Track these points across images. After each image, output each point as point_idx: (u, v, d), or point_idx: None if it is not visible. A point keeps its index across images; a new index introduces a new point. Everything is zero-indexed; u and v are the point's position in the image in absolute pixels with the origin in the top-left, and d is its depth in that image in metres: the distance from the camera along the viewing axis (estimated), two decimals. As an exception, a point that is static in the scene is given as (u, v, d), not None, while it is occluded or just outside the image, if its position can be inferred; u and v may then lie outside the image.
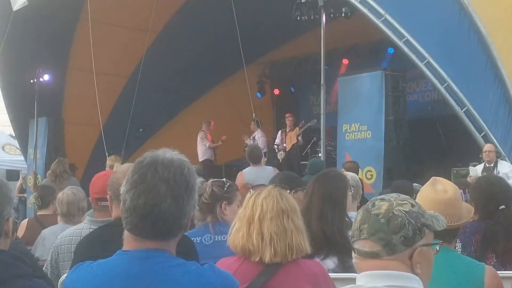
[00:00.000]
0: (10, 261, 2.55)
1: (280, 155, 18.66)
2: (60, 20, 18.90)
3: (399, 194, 2.58)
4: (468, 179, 11.58)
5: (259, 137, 18.18)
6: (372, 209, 2.49)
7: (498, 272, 3.85)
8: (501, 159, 12.57)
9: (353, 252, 2.54)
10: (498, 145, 12.71)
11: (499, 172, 11.68)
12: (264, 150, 17.54)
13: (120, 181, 3.70)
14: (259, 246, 3.58)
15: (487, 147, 12.43)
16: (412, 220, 2.46)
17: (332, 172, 5.12)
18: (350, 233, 2.58)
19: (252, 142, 17.99)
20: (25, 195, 21.35)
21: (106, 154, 16.89)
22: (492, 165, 12.39)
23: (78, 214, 6.66)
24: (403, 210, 2.47)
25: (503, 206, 5.09)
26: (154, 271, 2.40)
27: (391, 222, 2.44)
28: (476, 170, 12.29)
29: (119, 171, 4.15)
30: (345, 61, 21.10)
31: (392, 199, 2.52)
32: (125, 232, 2.48)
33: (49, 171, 12.41)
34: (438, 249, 2.57)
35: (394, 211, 2.46)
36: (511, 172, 11.97)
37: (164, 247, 2.45)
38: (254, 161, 11.39)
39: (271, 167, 12.05)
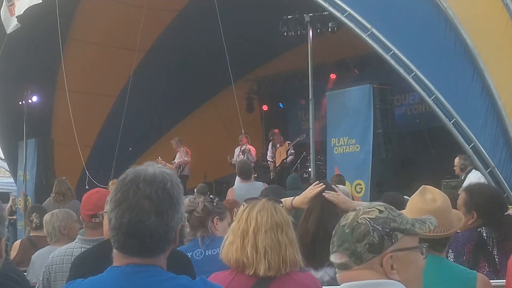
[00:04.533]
0: (2, 281, 2.54)
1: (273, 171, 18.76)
2: (47, 41, 18.88)
3: (375, 202, 2.60)
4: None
5: (251, 150, 18.21)
6: (342, 220, 2.50)
7: (491, 281, 3.85)
8: (475, 169, 12.77)
9: None
10: (487, 156, 12.76)
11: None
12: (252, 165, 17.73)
13: None
14: (254, 259, 3.57)
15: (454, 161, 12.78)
16: (378, 226, 2.42)
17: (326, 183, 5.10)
18: None
19: (240, 155, 18.08)
20: (14, 217, 21.22)
21: (88, 175, 16.85)
22: (462, 177, 12.75)
23: (56, 234, 6.64)
24: (368, 217, 2.44)
25: (508, 212, 5.15)
26: (145, 285, 2.38)
27: (354, 231, 2.42)
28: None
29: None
30: (333, 76, 21.18)
31: (362, 208, 2.51)
32: (114, 250, 2.48)
33: (53, 194, 12.33)
34: (423, 252, 2.53)
35: (358, 220, 2.44)
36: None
37: (154, 262, 2.43)
38: (244, 177, 11.39)
39: (261, 182, 12.06)
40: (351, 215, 2.48)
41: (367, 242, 2.41)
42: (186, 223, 5.25)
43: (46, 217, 6.83)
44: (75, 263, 4.16)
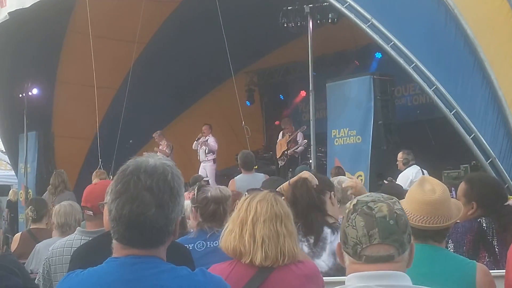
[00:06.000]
0: (1, 272, 2.54)
1: (281, 163, 18.76)
2: (47, 34, 18.88)
3: (376, 193, 2.56)
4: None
5: (211, 141, 18.45)
6: (373, 212, 2.43)
7: (491, 271, 3.85)
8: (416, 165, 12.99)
9: (351, 258, 2.47)
10: (488, 147, 12.75)
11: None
12: (214, 156, 18.43)
13: None
14: (251, 248, 3.58)
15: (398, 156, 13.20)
16: (406, 216, 2.48)
17: None
18: (349, 240, 2.46)
19: (203, 146, 18.46)
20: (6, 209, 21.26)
21: (101, 165, 16.91)
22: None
23: (75, 226, 6.66)
24: (400, 208, 2.46)
25: (508, 203, 5.15)
26: (145, 277, 2.38)
27: (398, 222, 2.42)
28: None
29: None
30: (333, 67, 21.13)
31: (382, 198, 2.49)
32: (114, 241, 2.48)
33: (49, 186, 12.38)
34: None
35: (396, 211, 2.44)
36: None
37: (153, 254, 2.44)
38: (247, 168, 11.36)
39: (262, 174, 12.04)
40: (382, 206, 2.44)
41: (408, 233, 2.45)
42: (190, 213, 5.23)
43: (66, 208, 6.80)
44: (75, 256, 4.16)
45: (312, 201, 4.82)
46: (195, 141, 18.83)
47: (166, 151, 18.90)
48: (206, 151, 18.44)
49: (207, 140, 18.49)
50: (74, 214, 6.77)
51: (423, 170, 12.52)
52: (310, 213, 4.79)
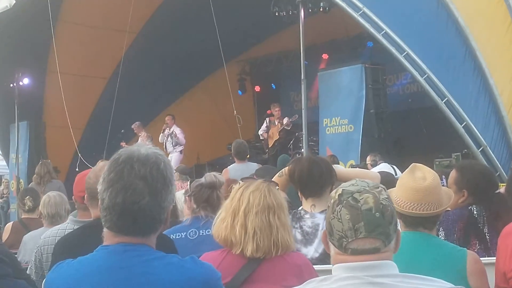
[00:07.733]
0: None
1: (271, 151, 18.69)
2: (38, 23, 18.77)
3: (362, 180, 2.49)
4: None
5: (178, 133, 18.52)
6: (359, 204, 2.37)
7: (482, 258, 3.86)
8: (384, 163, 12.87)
9: (336, 249, 2.42)
10: (479, 135, 12.79)
11: None
12: (182, 148, 18.51)
13: (92, 180, 3.72)
14: (241, 239, 3.55)
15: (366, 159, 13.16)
16: (392, 204, 2.44)
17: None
18: (335, 233, 2.39)
19: (169, 138, 18.54)
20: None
21: (81, 157, 16.87)
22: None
23: (65, 216, 6.62)
24: (386, 198, 2.40)
25: (499, 190, 5.15)
26: (135, 264, 2.39)
27: (384, 214, 2.36)
28: None
29: (92, 170, 4.16)
30: (325, 56, 21.16)
31: (368, 188, 2.42)
32: (105, 229, 2.48)
33: (35, 175, 12.36)
34: None
35: (382, 202, 2.38)
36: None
37: (144, 242, 2.44)
38: (240, 158, 11.36)
39: (255, 163, 12.04)
40: (368, 197, 2.38)
41: (395, 222, 2.41)
42: (183, 205, 5.22)
43: (56, 199, 6.77)
44: (59, 246, 4.09)
45: (333, 177, 4.81)
46: (161, 134, 18.82)
47: (146, 142, 18.88)
48: (173, 143, 18.48)
49: (173, 131, 18.50)
50: (64, 204, 6.74)
51: (393, 166, 12.42)
52: (327, 187, 4.77)
